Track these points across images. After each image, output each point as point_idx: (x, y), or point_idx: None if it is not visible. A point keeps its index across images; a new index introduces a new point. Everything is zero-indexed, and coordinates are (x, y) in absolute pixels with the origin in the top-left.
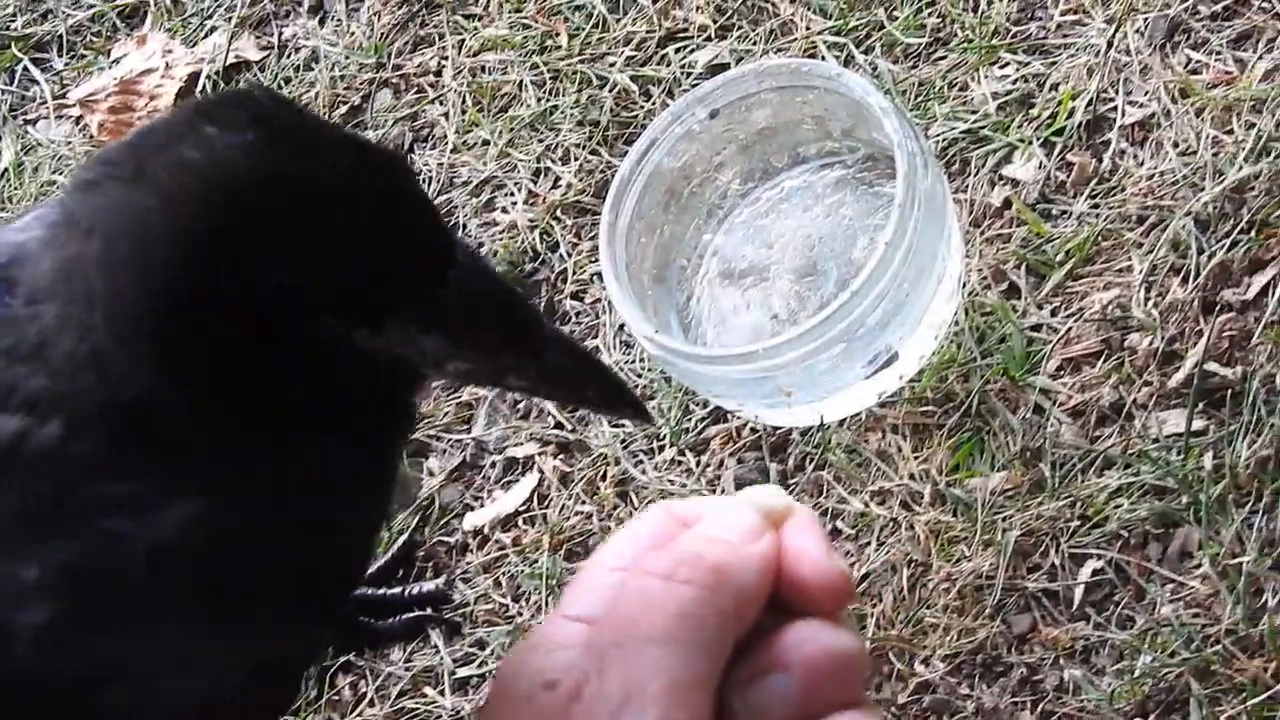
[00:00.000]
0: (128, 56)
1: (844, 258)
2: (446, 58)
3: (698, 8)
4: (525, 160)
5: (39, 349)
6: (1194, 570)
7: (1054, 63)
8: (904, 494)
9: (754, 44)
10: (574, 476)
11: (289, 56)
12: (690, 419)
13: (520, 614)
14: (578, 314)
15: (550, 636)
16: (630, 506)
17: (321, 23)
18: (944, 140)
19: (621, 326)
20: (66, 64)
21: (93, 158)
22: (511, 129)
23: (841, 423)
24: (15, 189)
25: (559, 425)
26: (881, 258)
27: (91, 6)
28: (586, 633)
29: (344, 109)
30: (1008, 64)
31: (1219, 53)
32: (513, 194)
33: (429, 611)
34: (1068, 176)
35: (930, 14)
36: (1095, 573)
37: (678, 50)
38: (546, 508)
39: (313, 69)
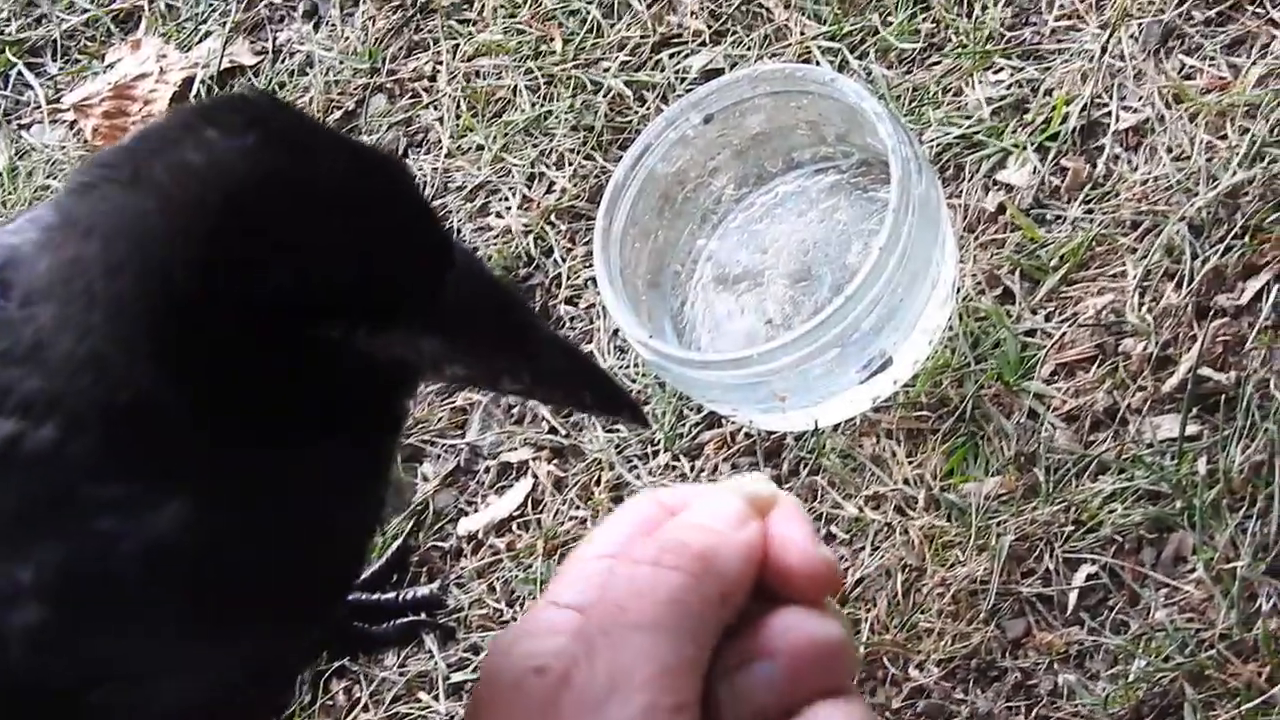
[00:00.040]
0: (122, 61)
1: (838, 263)
2: (441, 63)
3: (692, 13)
4: (519, 165)
5: (35, 350)
6: (1188, 575)
7: (1048, 68)
8: (898, 499)
9: (748, 49)
10: (568, 481)
11: (283, 61)
12: (685, 424)
13: (515, 619)
14: (572, 319)
15: (539, 623)
16: None
17: (316, 28)
18: (938, 145)
19: (616, 332)
20: (61, 68)
21: (90, 160)
22: (506, 134)
23: (836, 427)
24: (9, 193)
25: (553, 430)
26: (876, 263)
27: (86, 11)
28: (575, 619)
29: (338, 114)
30: (1002, 69)
31: (1213, 58)
32: (507, 199)
33: (423, 616)
34: (1062, 182)
35: (924, 19)
36: (1089, 577)
37: (672, 55)
38: (541, 512)
39: (307, 74)
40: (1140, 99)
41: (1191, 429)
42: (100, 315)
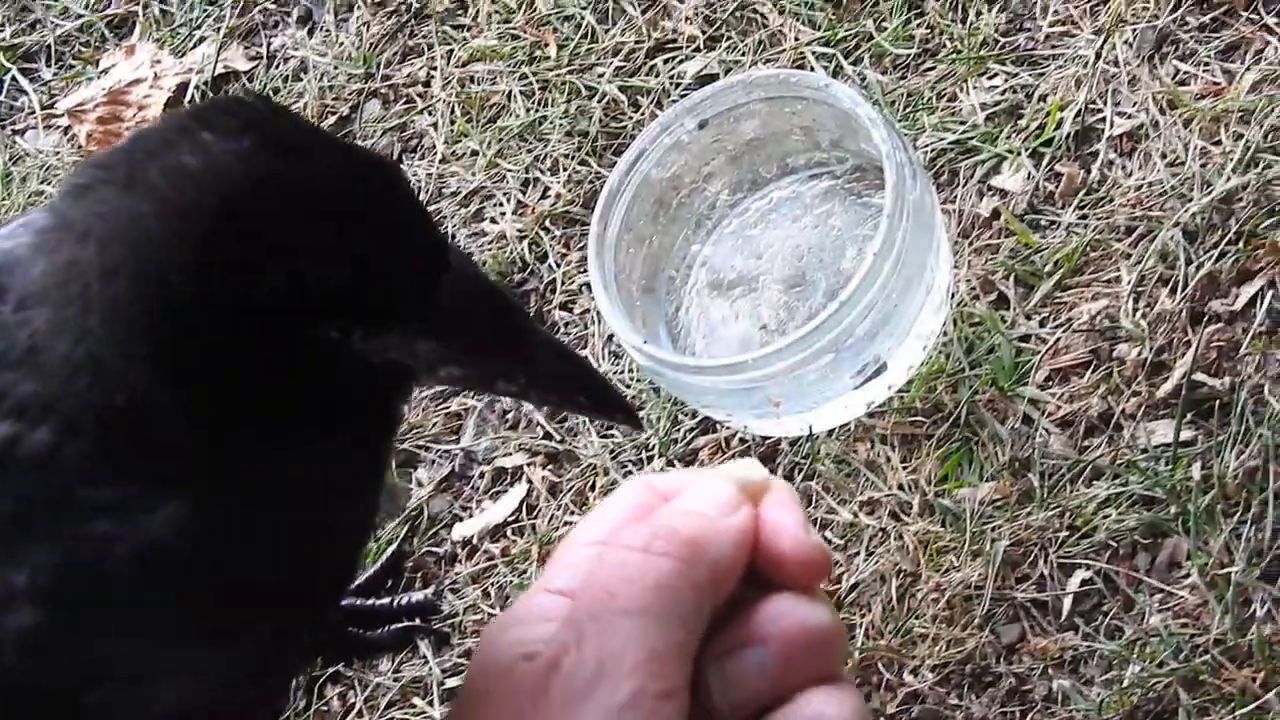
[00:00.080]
0: (116, 67)
1: (832, 268)
2: (435, 68)
3: (686, 18)
4: (514, 170)
5: (30, 354)
6: (1182, 580)
7: (1042, 74)
8: (893, 504)
9: (743, 55)
10: (563, 487)
11: (278, 67)
12: (679, 429)
13: None
14: (566, 324)
15: (530, 609)
16: None
17: (310, 33)
18: (932, 151)
19: (610, 337)
20: (55, 74)
21: (85, 162)
22: (500, 139)
23: (830, 433)
24: (3, 199)
25: (548, 435)
26: (870, 268)
27: (80, 17)
28: (565, 605)
29: (333, 119)
30: (996, 75)
31: (1207, 64)
32: (501, 204)
33: (418, 622)
34: (1056, 187)
35: (919, 25)
36: (1084, 583)
37: (666, 61)
38: (535, 518)
39: (301, 79)
40: (1135, 105)
41: (1186, 434)
42: (96, 319)
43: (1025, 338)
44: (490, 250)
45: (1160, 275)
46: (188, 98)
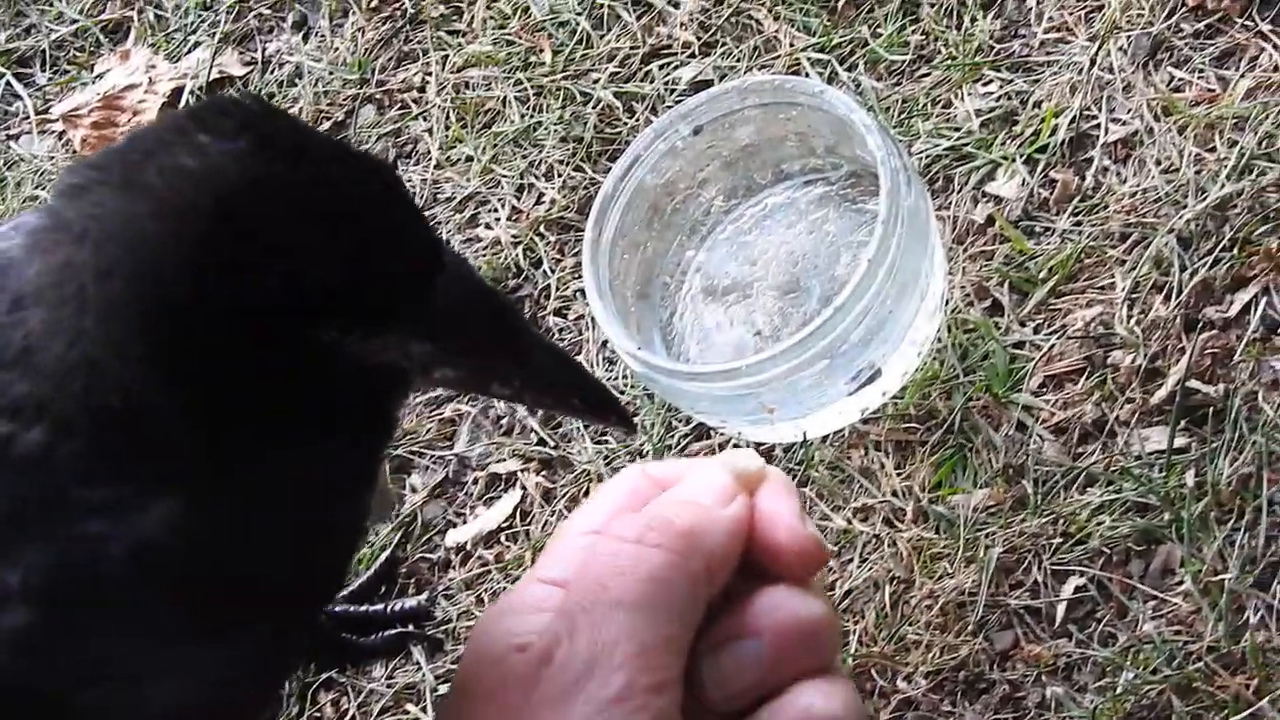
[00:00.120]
0: (111, 72)
1: (827, 274)
2: (430, 74)
3: (681, 24)
4: (509, 176)
5: (24, 355)
6: (1176, 587)
7: (1037, 80)
8: (886, 510)
9: (737, 61)
10: (557, 493)
11: (272, 72)
12: (673, 435)
13: None
14: (561, 330)
15: (523, 600)
16: None
17: (305, 39)
18: (927, 157)
19: (604, 343)
20: (49, 79)
21: (80, 162)
22: (495, 145)
23: (824, 439)
24: None
25: (541, 442)
26: (864, 274)
27: (75, 21)
28: (558, 596)
29: (327, 125)
30: (991, 81)
31: (1201, 71)
32: (496, 210)
33: (411, 628)
34: (1051, 194)
35: (914, 31)
36: (1077, 590)
37: (661, 67)
38: (529, 524)
39: (296, 85)
40: (1129, 111)
41: (1180, 441)
42: (91, 319)
43: (1019, 344)
44: (485, 256)
45: (1155, 282)
46: (182, 103)
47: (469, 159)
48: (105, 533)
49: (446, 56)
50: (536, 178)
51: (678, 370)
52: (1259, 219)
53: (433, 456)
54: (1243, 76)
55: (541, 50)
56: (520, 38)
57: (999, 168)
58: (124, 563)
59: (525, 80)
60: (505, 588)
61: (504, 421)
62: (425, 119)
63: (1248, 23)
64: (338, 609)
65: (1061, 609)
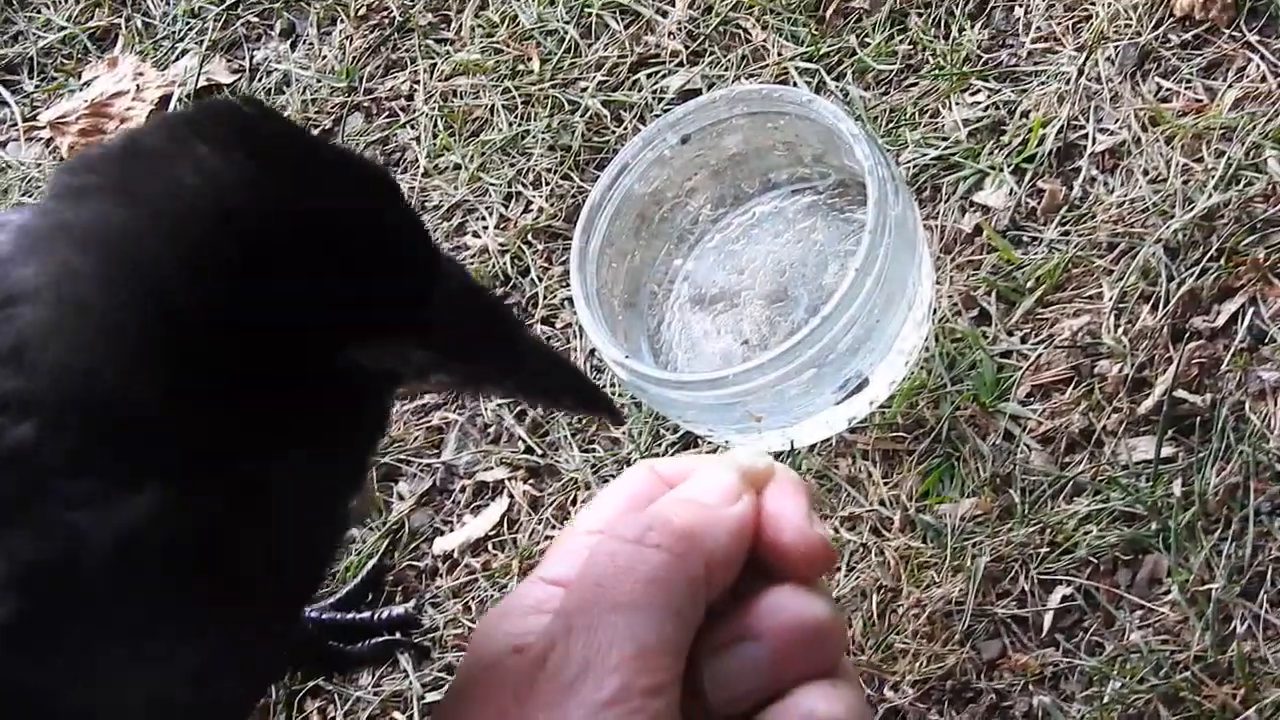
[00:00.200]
0: (99, 79)
1: (815, 283)
2: (418, 82)
3: (669, 33)
4: (496, 185)
5: (16, 352)
6: (1163, 597)
7: (1025, 90)
8: (874, 520)
9: (726, 70)
10: (544, 501)
11: (260, 80)
12: (661, 444)
13: None
14: (548, 338)
15: (524, 600)
16: None
17: (293, 46)
18: (915, 166)
19: (592, 351)
20: (37, 86)
21: (77, 163)
22: (483, 153)
23: (812, 448)
24: None
25: (529, 450)
26: (852, 284)
27: (62, 29)
28: (558, 597)
29: (315, 133)
30: (979, 91)
31: (1189, 81)
32: (484, 218)
33: (398, 636)
34: (1038, 203)
35: (902, 41)
36: (1064, 599)
37: (649, 75)
38: (516, 532)
39: (284, 92)
40: (1117, 121)
41: (1167, 451)
42: (92, 325)
43: (1007, 354)
44: (473, 264)
45: (1142, 292)
46: (170, 110)
47: (457, 167)
48: (86, 523)
49: (434, 65)
50: (524, 186)
51: (665, 379)
52: (1246, 229)
53: (420, 464)
54: (1230, 87)
55: (529, 59)
56: (508, 46)
57: (986, 177)
58: (104, 552)
59: (513, 88)
60: (493, 595)
61: (491, 430)
62: (413, 127)
63: (1235, 33)
64: (325, 616)
65: (1049, 618)
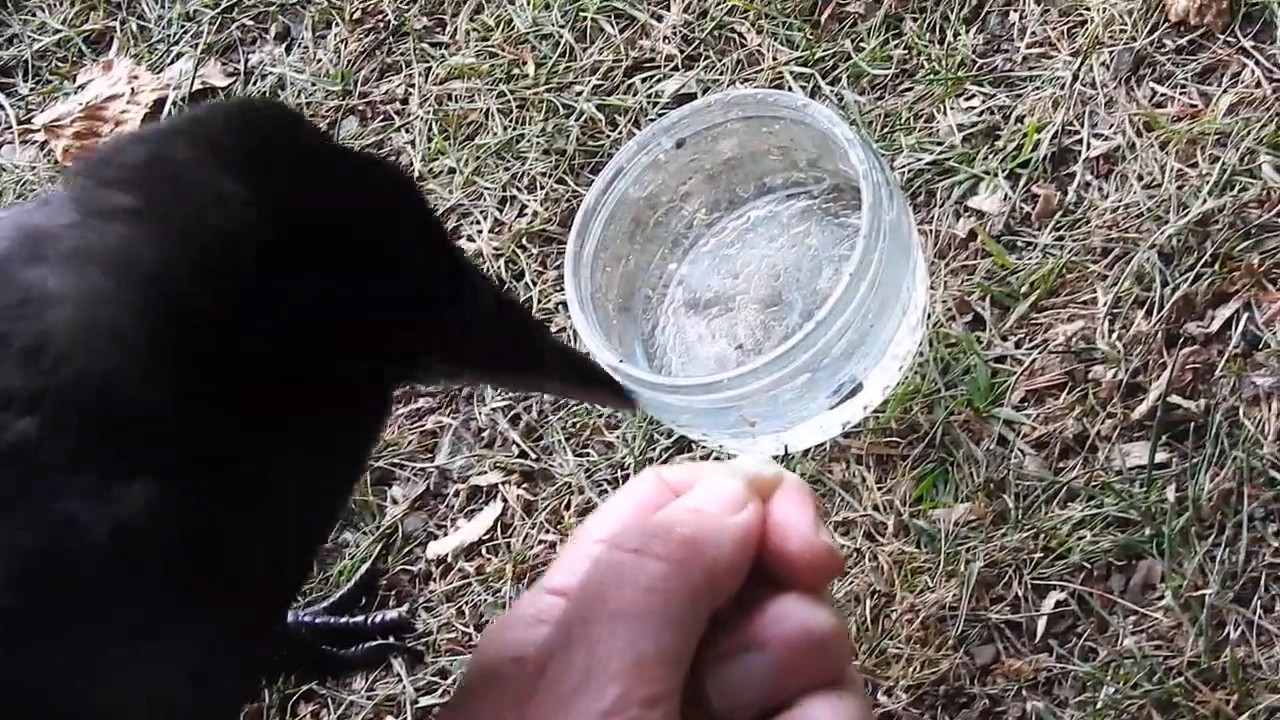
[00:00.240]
0: (93, 82)
1: (809, 288)
2: (413, 86)
3: (665, 38)
4: (491, 189)
5: (35, 352)
6: (1157, 602)
7: (1020, 95)
8: (868, 524)
9: (721, 74)
10: (538, 505)
11: (255, 83)
12: (655, 448)
13: None
14: None
15: (527, 609)
16: None
17: (288, 50)
18: (910, 171)
19: (586, 355)
20: (32, 89)
21: (102, 170)
22: (478, 157)
23: (806, 453)
24: None
25: (523, 454)
26: (846, 288)
27: (57, 32)
28: (560, 607)
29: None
30: (974, 96)
31: (1184, 86)
32: (479, 222)
33: (391, 640)
34: (1033, 208)
35: (897, 46)
36: (1058, 604)
37: (644, 80)
38: (510, 537)
39: (279, 96)
40: (1111, 127)
41: (1161, 456)
42: (115, 336)
43: (1001, 359)
44: None
45: (1136, 297)
46: (165, 114)
47: (451, 171)
48: (83, 514)
49: (429, 68)
50: (519, 190)
51: (659, 383)
52: (1240, 235)
53: (414, 469)
54: (1225, 92)
55: (524, 63)
56: (503, 50)
57: (981, 182)
58: (100, 542)
59: (508, 92)
60: (486, 600)
61: (485, 434)
62: (408, 131)
63: (1230, 39)
64: (318, 620)
65: (1042, 624)
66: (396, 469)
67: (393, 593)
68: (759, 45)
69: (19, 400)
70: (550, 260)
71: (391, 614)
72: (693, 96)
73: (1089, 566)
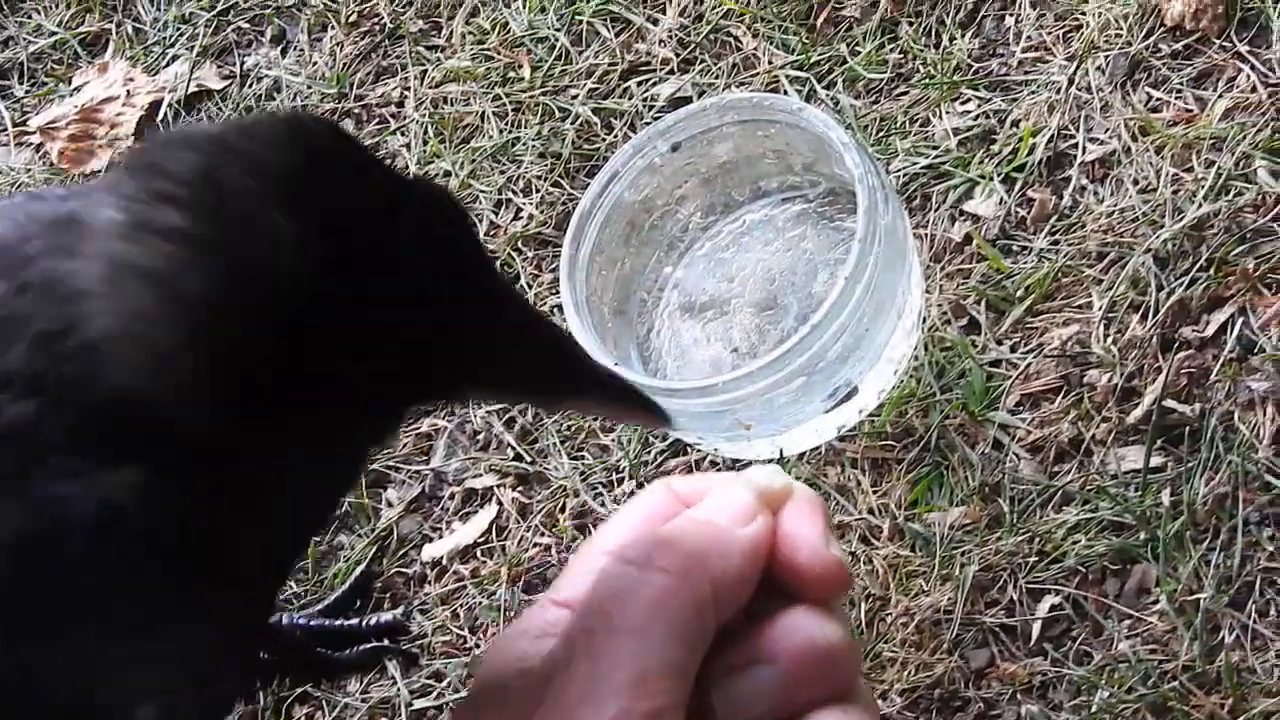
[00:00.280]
0: (89, 84)
1: (804, 292)
2: (409, 88)
3: (660, 41)
4: (487, 192)
5: (52, 337)
6: (1151, 606)
7: (1015, 99)
8: (863, 528)
9: (716, 77)
10: (533, 508)
11: (251, 86)
12: (650, 451)
13: (477, 646)
14: None
15: (533, 622)
16: (588, 538)
17: (284, 52)
18: (905, 175)
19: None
20: (27, 91)
21: (145, 178)
22: (473, 160)
23: (801, 456)
24: None
25: (518, 457)
26: (842, 292)
27: (53, 34)
28: (566, 620)
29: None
30: (969, 100)
31: (1179, 91)
32: (474, 225)
33: (386, 642)
34: (1028, 213)
35: (892, 50)
36: (1053, 608)
37: (640, 83)
38: (505, 539)
39: (275, 99)
40: (1107, 131)
41: (1156, 461)
42: (144, 353)
43: (996, 363)
44: None
45: (1131, 301)
46: (160, 117)
47: (447, 174)
48: (71, 493)
49: (425, 71)
50: (514, 193)
51: (655, 386)
52: (1235, 239)
53: (409, 471)
54: (1220, 97)
55: (520, 66)
56: (499, 53)
57: (976, 186)
58: (88, 520)
59: (504, 96)
60: (481, 603)
61: (480, 436)
62: (403, 134)
63: (1225, 44)
64: (313, 623)
65: (1037, 627)
66: (391, 471)
67: (387, 595)
68: (754, 49)
69: (21, 381)
70: (545, 264)
71: (386, 616)
72: (688, 100)
73: (1084, 570)
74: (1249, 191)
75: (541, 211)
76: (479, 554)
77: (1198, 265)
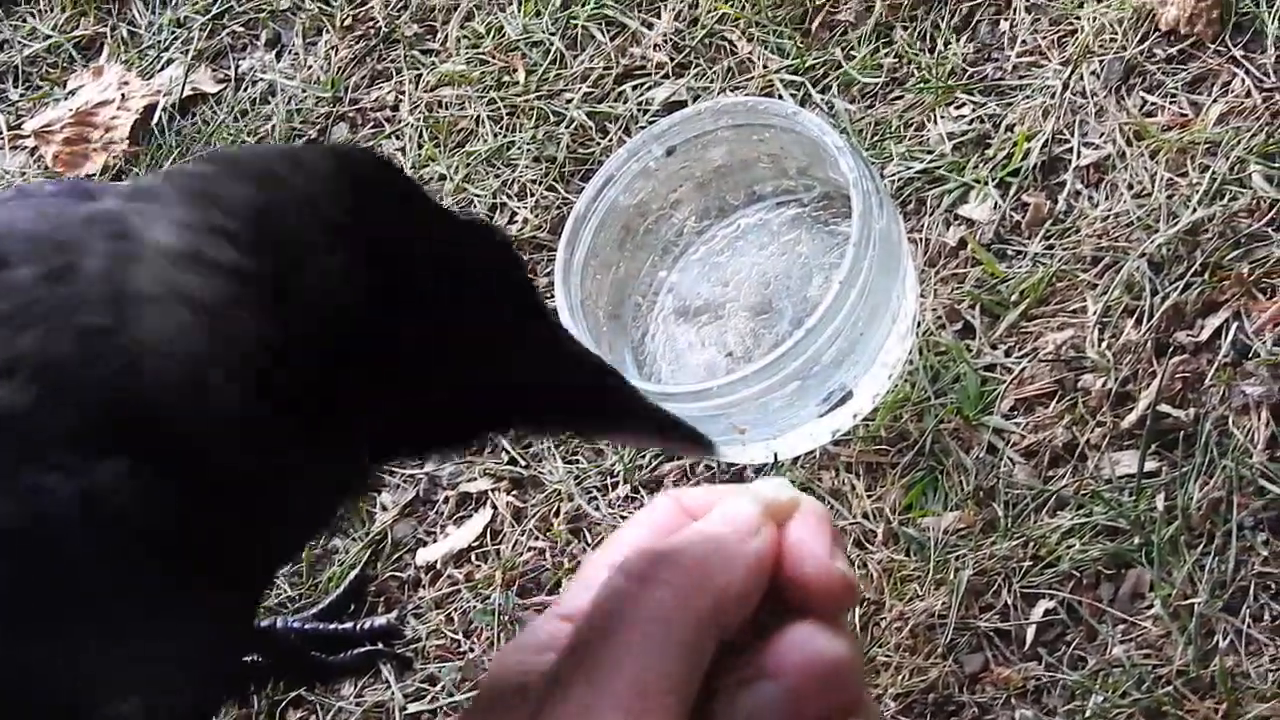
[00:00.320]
0: (84, 88)
1: (799, 296)
2: (404, 92)
3: (655, 45)
4: (482, 196)
5: (94, 333)
6: (1146, 611)
7: (1010, 104)
8: (857, 532)
9: (711, 82)
10: (527, 512)
11: (246, 90)
12: (644, 455)
13: (471, 650)
14: None
15: (537, 635)
16: (583, 543)
17: (279, 56)
18: (900, 179)
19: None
20: (22, 94)
21: (202, 205)
22: (468, 164)
23: (795, 460)
24: None
25: (513, 461)
26: (836, 296)
27: (48, 38)
28: (567, 634)
29: (300, 143)
30: (964, 104)
31: (1174, 96)
32: None
33: (380, 646)
34: (1023, 217)
35: (887, 54)
36: (1047, 613)
37: (635, 87)
38: (499, 543)
39: (269, 102)
40: (1101, 136)
41: (1150, 465)
42: (190, 382)
43: (991, 367)
44: None
45: (1126, 306)
46: (155, 120)
47: (442, 178)
48: (60, 484)
49: (420, 75)
50: (509, 197)
51: (649, 390)
52: (1230, 244)
53: (403, 475)
54: (1215, 102)
55: (515, 70)
56: (494, 57)
57: (971, 191)
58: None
59: (498, 99)
60: (475, 607)
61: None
62: (398, 137)
63: (1220, 48)
64: (307, 627)
65: (1031, 632)
66: (386, 475)
67: (382, 599)
68: (749, 53)
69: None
70: (540, 267)
71: (380, 620)
72: (683, 104)
73: (1078, 575)
74: (1243, 196)
75: (536, 215)
76: (473, 558)
77: (1192, 270)
